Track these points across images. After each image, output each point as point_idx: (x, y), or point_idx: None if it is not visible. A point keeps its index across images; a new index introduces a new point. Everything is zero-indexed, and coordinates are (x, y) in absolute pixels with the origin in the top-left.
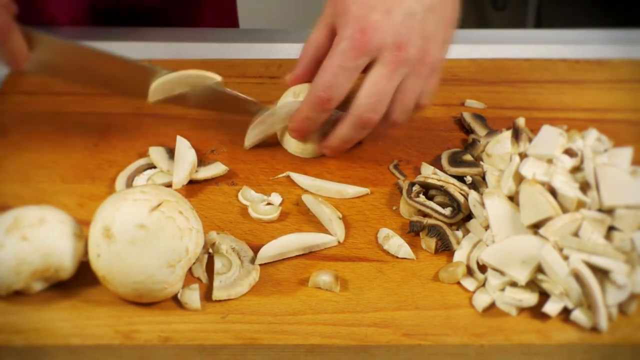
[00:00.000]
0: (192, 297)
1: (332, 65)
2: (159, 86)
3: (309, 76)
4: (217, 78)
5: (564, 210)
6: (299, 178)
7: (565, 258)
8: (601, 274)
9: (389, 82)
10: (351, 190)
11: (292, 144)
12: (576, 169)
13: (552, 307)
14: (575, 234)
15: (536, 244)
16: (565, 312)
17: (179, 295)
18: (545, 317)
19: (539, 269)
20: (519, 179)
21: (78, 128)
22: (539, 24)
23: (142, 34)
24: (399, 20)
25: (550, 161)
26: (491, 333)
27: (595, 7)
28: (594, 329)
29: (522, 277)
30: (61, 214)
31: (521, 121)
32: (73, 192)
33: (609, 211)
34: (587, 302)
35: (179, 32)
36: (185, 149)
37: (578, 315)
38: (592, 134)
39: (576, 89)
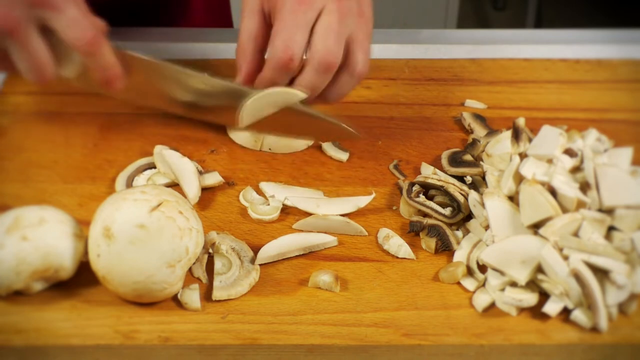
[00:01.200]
0: (192, 297)
1: (285, 26)
2: (248, 108)
3: (258, 70)
4: (301, 95)
5: (564, 210)
6: (300, 203)
7: (565, 258)
8: (601, 274)
9: (340, 25)
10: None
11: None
12: (576, 169)
13: (552, 307)
14: (575, 234)
15: (536, 244)
16: (565, 312)
17: (179, 295)
18: (545, 317)
19: (539, 269)
20: (519, 179)
21: (78, 128)
22: (539, 24)
23: (141, 35)
24: None
25: (550, 161)
26: (491, 333)
27: (595, 8)
28: (594, 329)
29: (522, 277)
30: (61, 214)
31: (521, 121)
32: (73, 192)
33: (609, 211)
34: (587, 302)
35: (179, 33)
36: (177, 161)
37: (578, 315)
38: (592, 134)
39: (576, 89)
